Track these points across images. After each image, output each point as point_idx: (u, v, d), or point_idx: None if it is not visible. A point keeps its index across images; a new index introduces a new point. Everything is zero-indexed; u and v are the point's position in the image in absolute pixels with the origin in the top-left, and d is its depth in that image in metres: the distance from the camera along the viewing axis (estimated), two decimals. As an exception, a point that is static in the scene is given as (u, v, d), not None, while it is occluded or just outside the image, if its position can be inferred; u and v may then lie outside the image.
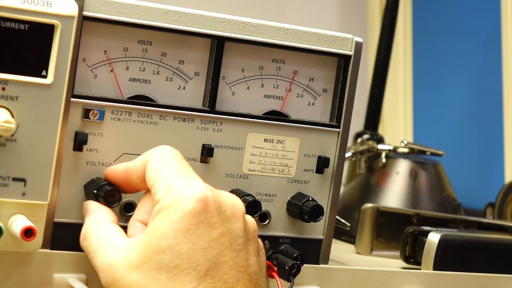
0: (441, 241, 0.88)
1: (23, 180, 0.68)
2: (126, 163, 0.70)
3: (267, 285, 0.67)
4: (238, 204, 0.66)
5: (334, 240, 0.84)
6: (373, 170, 1.10)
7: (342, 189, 0.95)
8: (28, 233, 0.66)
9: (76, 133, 0.71)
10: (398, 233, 0.94)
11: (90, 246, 0.66)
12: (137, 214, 0.68)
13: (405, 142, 1.11)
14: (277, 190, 0.79)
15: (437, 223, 1.00)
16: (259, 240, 0.68)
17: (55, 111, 0.68)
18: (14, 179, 0.67)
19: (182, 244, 0.62)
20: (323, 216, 0.79)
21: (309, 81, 0.81)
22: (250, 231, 0.67)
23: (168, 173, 0.66)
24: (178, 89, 0.75)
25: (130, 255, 0.63)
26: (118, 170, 0.70)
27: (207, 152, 0.76)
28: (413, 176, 1.08)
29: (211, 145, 0.76)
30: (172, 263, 0.62)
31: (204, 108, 0.76)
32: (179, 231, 0.62)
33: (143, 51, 0.74)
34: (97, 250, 0.65)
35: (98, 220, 0.68)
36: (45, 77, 0.67)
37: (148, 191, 0.68)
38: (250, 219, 0.68)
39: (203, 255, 0.62)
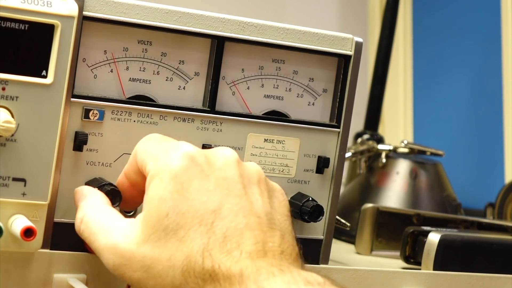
0: (441, 241, 0.88)
1: (23, 180, 0.67)
2: (123, 169, 0.70)
3: (289, 222, 0.66)
4: (228, 152, 0.66)
5: (334, 240, 0.84)
6: (373, 170, 1.10)
7: (342, 189, 0.95)
8: (28, 233, 0.66)
9: (76, 133, 0.71)
10: (398, 233, 0.94)
11: (89, 228, 0.65)
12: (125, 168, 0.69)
13: (405, 142, 1.11)
14: (277, 190, 0.79)
15: (437, 223, 1.00)
16: (271, 182, 0.68)
17: (55, 111, 0.68)
18: (14, 179, 0.67)
19: (182, 203, 0.62)
20: (323, 216, 0.79)
21: (309, 81, 0.80)
22: (249, 176, 0.66)
23: (152, 147, 0.66)
24: (178, 89, 0.75)
25: (135, 233, 0.63)
26: (120, 179, 0.70)
27: (207, 152, 0.76)
28: (413, 176, 1.08)
29: (211, 145, 0.76)
30: (178, 224, 0.62)
31: (204, 108, 0.76)
32: (175, 192, 0.62)
33: (143, 51, 0.74)
34: (98, 232, 0.64)
35: (95, 204, 0.67)
36: (45, 77, 0.67)
37: None
38: (250, 165, 0.67)
39: (205, 208, 0.62)
